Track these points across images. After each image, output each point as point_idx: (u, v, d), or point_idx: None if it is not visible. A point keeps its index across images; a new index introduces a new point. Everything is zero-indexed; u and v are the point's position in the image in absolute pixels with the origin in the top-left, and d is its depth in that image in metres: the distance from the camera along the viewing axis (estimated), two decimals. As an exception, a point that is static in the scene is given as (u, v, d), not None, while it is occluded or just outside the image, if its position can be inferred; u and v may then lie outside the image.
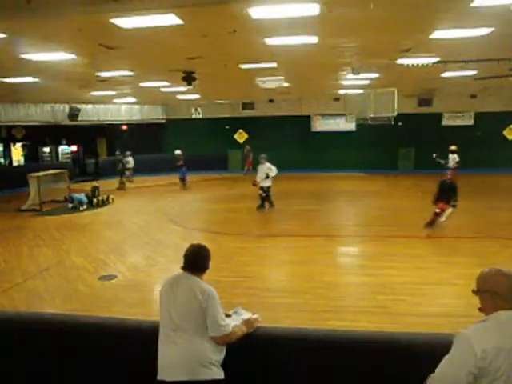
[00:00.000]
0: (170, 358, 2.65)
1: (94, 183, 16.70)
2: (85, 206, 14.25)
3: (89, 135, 22.97)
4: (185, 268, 2.90)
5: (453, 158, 16.46)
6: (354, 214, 13.53)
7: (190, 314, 2.69)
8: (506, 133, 22.92)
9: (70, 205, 14.32)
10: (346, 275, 7.80)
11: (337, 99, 21.11)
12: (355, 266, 8.52)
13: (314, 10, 5.69)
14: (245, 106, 23.49)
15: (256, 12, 5.74)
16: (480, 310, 2.09)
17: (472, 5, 5.62)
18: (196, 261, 2.91)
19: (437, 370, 1.95)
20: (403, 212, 13.02)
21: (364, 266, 8.20)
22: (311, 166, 23.00)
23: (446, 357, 1.95)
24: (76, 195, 14.64)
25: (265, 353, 2.84)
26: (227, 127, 24.37)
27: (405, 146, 23.01)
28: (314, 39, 7.62)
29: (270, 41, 7.66)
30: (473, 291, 2.08)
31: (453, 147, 16.88)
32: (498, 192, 16.71)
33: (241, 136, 24.62)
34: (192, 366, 2.60)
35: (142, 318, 3.62)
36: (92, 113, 21.63)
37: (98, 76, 11.44)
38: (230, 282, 7.04)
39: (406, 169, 22.91)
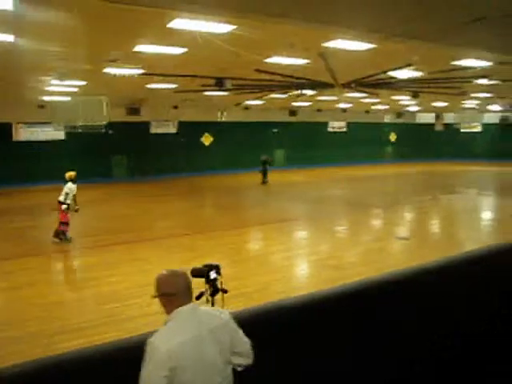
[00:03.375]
0: None
1: None
2: None
3: None
4: None
5: None
6: (71, 226, 12.86)
7: None
8: (203, 140, 26.36)
9: None
10: (71, 291, 7.42)
11: (42, 106, 19.44)
12: (79, 279, 8.19)
13: (6, 3, 5.09)
14: None
15: None
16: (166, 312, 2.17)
17: (168, 26, 6.23)
18: None
19: (139, 380, 1.98)
20: (123, 219, 13.23)
21: (88, 278, 7.96)
22: (17, 179, 20.40)
23: (143, 365, 1.98)
24: None
25: None
26: None
27: (118, 153, 23.33)
28: (10, 38, 6.87)
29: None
30: (152, 296, 2.19)
31: None
32: (202, 192, 19.08)
33: None
34: None
35: None
36: None
37: None
38: None
39: (120, 176, 23.24)
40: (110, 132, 19.55)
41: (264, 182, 21.07)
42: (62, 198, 10.22)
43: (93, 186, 20.62)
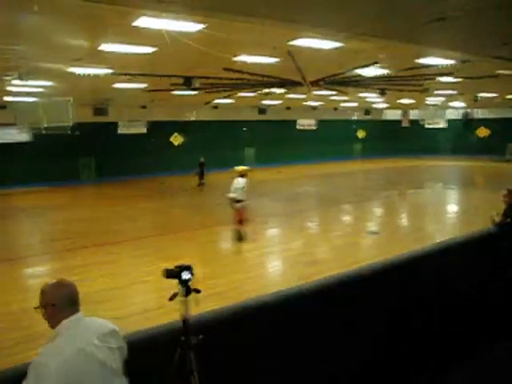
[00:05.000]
0: None
1: None
2: None
3: None
4: None
5: None
6: (38, 231, 12.54)
7: None
8: (172, 139, 26.14)
9: None
10: (36, 298, 7.19)
11: (3, 107, 18.77)
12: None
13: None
14: None
15: None
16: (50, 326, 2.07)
17: (134, 24, 6.12)
18: None
19: None
20: (91, 222, 12.95)
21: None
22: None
23: None
24: None
25: None
26: None
27: (85, 155, 22.82)
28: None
29: None
30: (35, 308, 2.09)
31: None
32: (173, 192, 18.92)
33: None
34: None
35: None
36: None
37: None
38: None
39: (88, 178, 22.76)
40: (77, 133, 19.11)
41: (201, 184, 20.13)
42: None
43: (60, 188, 20.14)
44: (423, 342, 3.51)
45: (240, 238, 9.56)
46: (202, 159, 20.68)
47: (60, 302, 2.04)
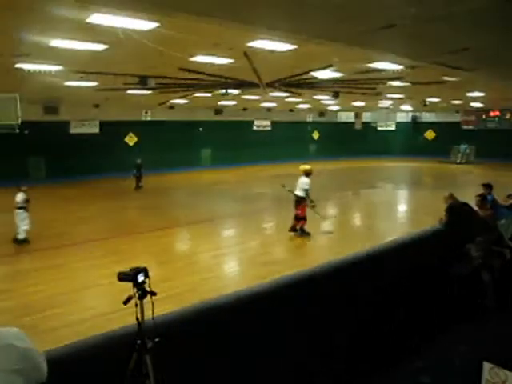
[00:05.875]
0: None
1: None
2: None
3: None
4: None
5: None
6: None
7: None
8: (127, 139, 25.54)
9: None
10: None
11: None
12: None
13: None
14: None
15: None
16: None
17: (88, 20, 5.96)
18: None
19: None
20: (41, 224, 12.43)
21: (2, 290, 7.42)
22: None
23: None
24: None
25: None
26: None
27: (35, 154, 21.92)
28: None
29: None
30: None
31: None
32: (126, 193, 18.45)
33: None
34: None
35: None
36: None
37: None
38: None
39: (38, 179, 21.84)
40: (26, 132, 18.33)
41: (138, 187, 19.41)
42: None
43: (7, 189, 19.20)
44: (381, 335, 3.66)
45: (302, 231, 10.01)
46: (138, 161, 19.70)
47: None
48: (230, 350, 2.82)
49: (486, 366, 2.95)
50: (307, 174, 10.16)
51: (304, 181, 10.06)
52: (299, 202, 10.05)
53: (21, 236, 10.03)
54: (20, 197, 10.19)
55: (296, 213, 10.13)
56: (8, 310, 6.48)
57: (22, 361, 1.53)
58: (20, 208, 10.03)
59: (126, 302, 2.48)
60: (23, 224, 10.02)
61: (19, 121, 11.95)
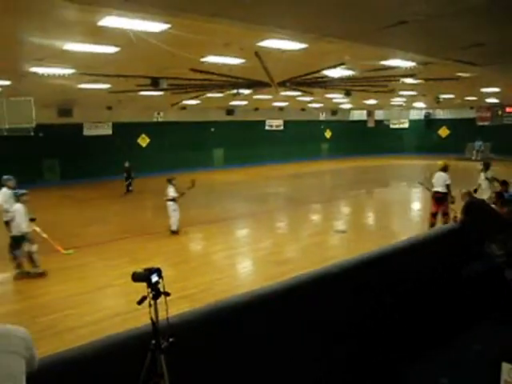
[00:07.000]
0: None
1: None
2: None
3: None
4: None
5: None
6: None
7: None
8: (139, 141, 25.74)
9: None
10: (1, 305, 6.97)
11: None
12: (5, 293, 7.71)
13: None
14: None
15: None
16: None
17: (99, 23, 6.01)
18: None
19: None
20: (56, 224, 12.58)
21: (17, 291, 7.54)
22: None
23: None
24: None
25: None
26: None
27: (49, 157, 22.20)
28: None
29: None
30: None
31: None
32: (139, 194, 18.48)
33: None
34: None
35: None
36: None
37: None
38: None
39: (53, 181, 22.14)
40: (40, 135, 18.57)
41: (128, 192, 18.67)
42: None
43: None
44: (393, 336, 3.61)
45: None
46: (126, 164, 19.03)
47: None
48: (243, 349, 2.81)
49: (505, 366, 2.90)
50: (445, 169, 9.87)
51: (444, 176, 9.73)
52: (441, 198, 9.62)
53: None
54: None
55: (442, 209, 9.69)
56: (24, 310, 6.58)
57: (28, 349, 1.85)
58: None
59: (140, 303, 2.49)
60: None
61: (34, 124, 12.10)
